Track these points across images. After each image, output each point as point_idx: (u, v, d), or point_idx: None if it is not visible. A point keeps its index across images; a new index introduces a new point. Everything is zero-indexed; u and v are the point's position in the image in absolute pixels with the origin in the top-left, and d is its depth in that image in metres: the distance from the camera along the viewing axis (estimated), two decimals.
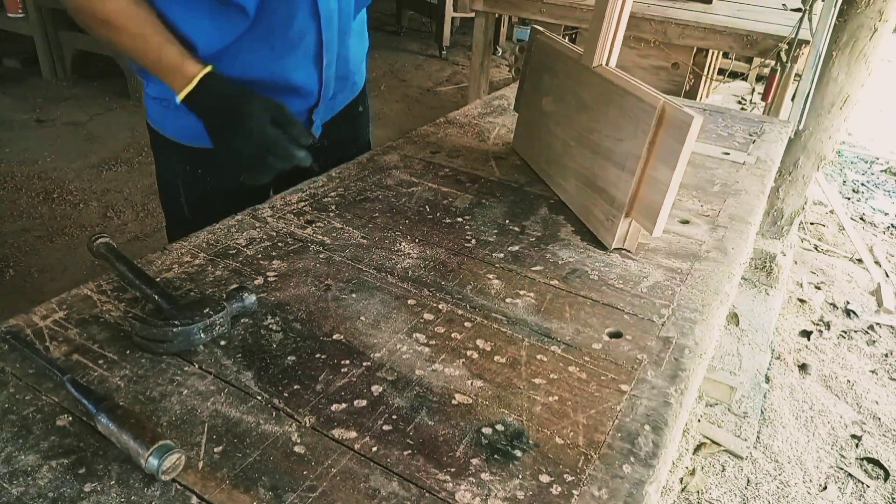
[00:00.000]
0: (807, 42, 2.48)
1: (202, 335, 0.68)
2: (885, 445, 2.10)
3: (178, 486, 0.53)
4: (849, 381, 2.38)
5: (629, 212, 0.91)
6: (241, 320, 0.73)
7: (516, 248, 0.94)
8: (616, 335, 0.76)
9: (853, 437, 2.13)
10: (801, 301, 2.84)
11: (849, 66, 2.49)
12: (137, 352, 0.68)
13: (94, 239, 0.81)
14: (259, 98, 0.92)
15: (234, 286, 0.76)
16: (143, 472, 0.53)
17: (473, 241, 0.95)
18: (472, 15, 3.37)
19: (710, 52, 3.12)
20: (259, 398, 0.63)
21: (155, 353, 0.67)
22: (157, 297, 0.72)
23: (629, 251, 0.95)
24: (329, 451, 0.57)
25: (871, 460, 2.05)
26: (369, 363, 0.68)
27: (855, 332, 2.66)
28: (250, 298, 0.73)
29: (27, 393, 0.62)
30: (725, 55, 4.01)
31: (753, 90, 4.70)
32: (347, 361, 0.68)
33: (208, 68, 0.92)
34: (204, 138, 0.96)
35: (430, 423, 0.61)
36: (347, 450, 0.58)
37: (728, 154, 1.34)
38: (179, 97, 0.92)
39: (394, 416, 0.62)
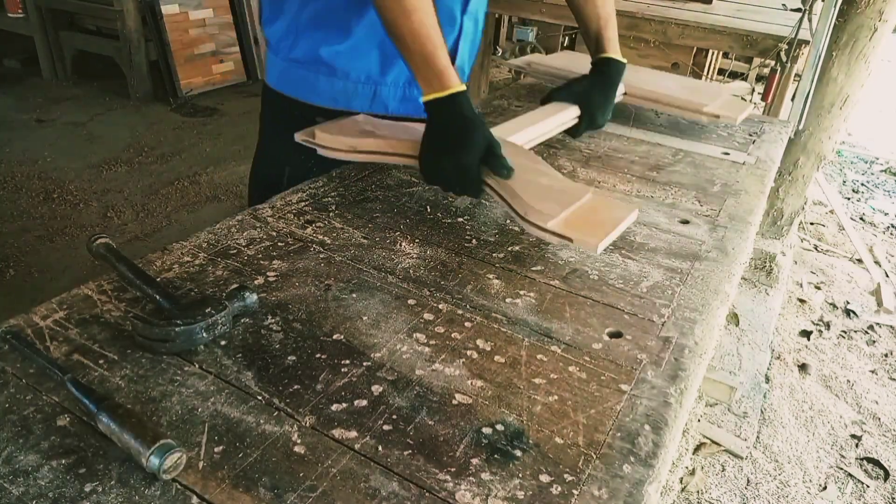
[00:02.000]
0: (807, 42, 2.48)
1: (204, 334, 0.68)
2: (885, 445, 2.10)
3: (179, 486, 0.53)
4: (849, 381, 2.38)
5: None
6: (242, 320, 0.73)
7: (516, 248, 0.94)
8: (616, 335, 0.76)
9: (853, 437, 2.13)
10: (801, 301, 2.84)
11: (849, 66, 2.49)
12: (138, 352, 0.68)
13: (93, 240, 0.81)
14: (486, 133, 0.97)
15: (235, 285, 0.76)
16: (143, 471, 0.53)
17: (474, 240, 0.95)
18: None
19: (710, 52, 3.13)
20: (259, 398, 0.63)
21: (157, 352, 0.67)
22: (157, 296, 0.72)
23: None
24: (329, 451, 0.57)
25: (871, 460, 2.05)
26: (369, 363, 0.69)
27: (855, 332, 2.67)
28: (252, 297, 0.73)
29: (27, 393, 0.62)
30: (725, 55, 4.01)
31: (753, 90, 4.70)
32: (347, 361, 0.69)
33: (464, 87, 0.98)
34: (317, 95, 1.22)
35: (430, 422, 0.61)
36: (347, 450, 0.58)
37: (728, 154, 1.34)
38: (426, 97, 0.97)
39: (394, 416, 0.62)
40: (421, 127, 1.04)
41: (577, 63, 1.47)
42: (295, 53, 1.22)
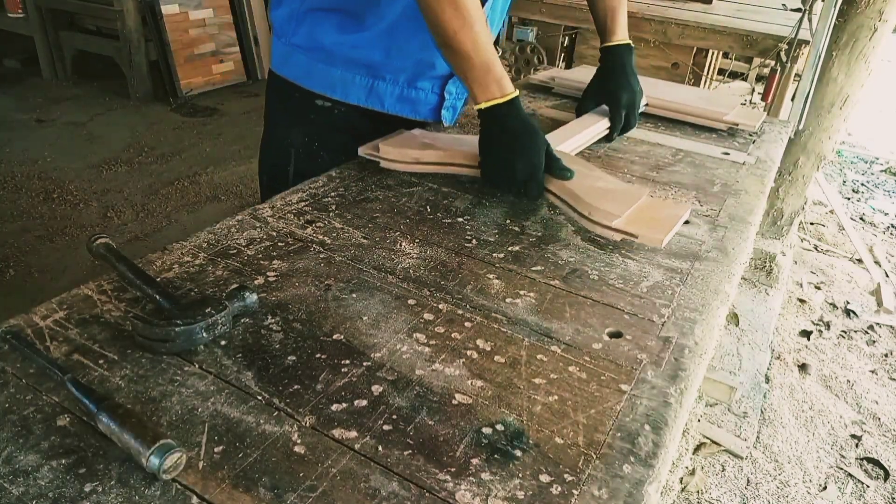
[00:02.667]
0: (807, 42, 2.48)
1: (204, 334, 0.68)
2: (885, 445, 2.11)
3: (179, 486, 0.53)
4: (849, 381, 2.38)
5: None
6: (242, 320, 0.73)
7: (516, 248, 0.94)
8: (616, 335, 0.76)
9: (853, 437, 2.13)
10: (801, 301, 2.84)
11: (849, 66, 2.49)
12: (137, 352, 0.68)
13: (93, 240, 0.81)
14: (543, 135, 1.02)
15: (235, 285, 0.76)
16: (143, 472, 0.53)
17: (474, 240, 0.95)
18: None
19: (710, 52, 3.13)
20: (259, 398, 0.63)
21: (157, 352, 0.67)
22: (157, 296, 0.72)
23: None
24: (329, 451, 0.57)
25: (871, 460, 2.05)
26: (369, 363, 0.69)
27: (855, 332, 2.67)
28: (252, 297, 0.73)
29: (27, 393, 0.62)
30: (725, 55, 4.01)
31: (753, 90, 4.70)
32: (347, 361, 0.69)
33: (517, 92, 1.01)
34: (329, 86, 1.21)
35: (430, 422, 0.61)
36: (347, 450, 0.58)
37: (728, 154, 1.34)
38: (485, 104, 1.01)
39: (394, 416, 0.62)
40: (472, 138, 1.07)
41: None
42: (296, 39, 1.23)
